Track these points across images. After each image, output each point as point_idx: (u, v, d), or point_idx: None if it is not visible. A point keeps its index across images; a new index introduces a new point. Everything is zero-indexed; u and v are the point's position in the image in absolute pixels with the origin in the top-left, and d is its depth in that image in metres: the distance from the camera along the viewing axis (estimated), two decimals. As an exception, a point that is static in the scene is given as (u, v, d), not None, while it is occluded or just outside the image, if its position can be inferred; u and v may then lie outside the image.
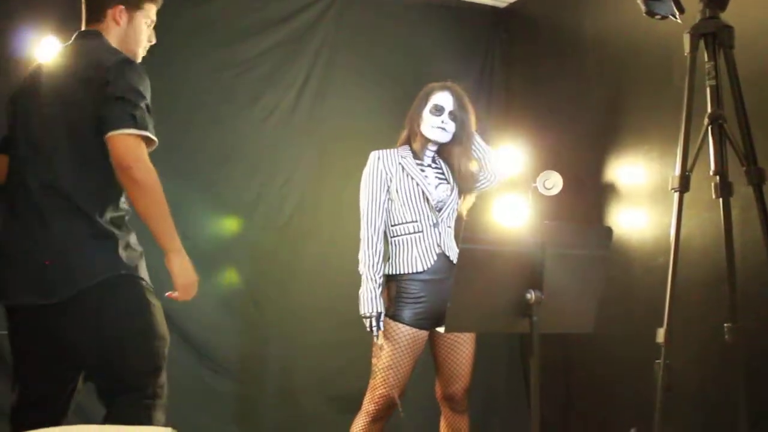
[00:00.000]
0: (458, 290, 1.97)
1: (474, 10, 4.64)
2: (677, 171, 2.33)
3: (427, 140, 2.89)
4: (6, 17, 3.36)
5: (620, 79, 3.80)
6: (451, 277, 2.34)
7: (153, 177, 2.04)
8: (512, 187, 4.11)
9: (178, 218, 3.63)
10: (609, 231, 2.23)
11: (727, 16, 2.38)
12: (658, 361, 2.24)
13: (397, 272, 2.80)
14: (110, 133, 2.00)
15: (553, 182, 3.97)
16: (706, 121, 2.33)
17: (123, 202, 2.16)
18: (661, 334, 2.24)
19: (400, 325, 2.75)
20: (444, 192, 2.88)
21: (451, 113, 2.86)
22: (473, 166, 2.93)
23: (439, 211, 2.85)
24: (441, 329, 2.69)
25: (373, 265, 2.77)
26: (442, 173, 2.93)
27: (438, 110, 2.86)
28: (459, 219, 2.91)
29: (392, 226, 2.86)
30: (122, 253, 2.07)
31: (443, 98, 2.87)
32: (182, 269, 2.09)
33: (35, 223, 2.06)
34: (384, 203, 2.84)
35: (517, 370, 4.41)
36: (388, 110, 3.72)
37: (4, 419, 2.22)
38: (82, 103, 2.04)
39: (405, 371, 2.76)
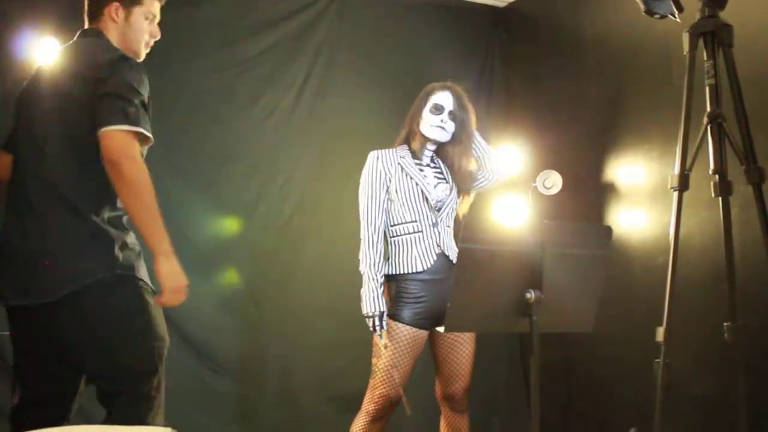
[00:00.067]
0: (458, 290, 1.97)
1: (474, 10, 4.64)
2: (676, 170, 2.34)
3: (427, 139, 2.89)
4: (5, 18, 3.36)
5: (620, 78, 3.80)
6: (450, 277, 2.34)
7: (143, 174, 2.00)
8: (512, 186, 4.12)
9: (179, 218, 3.69)
10: (609, 230, 2.23)
11: (726, 14, 2.38)
12: (657, 360, 2.24)
13: (397, 272, 2.80)
14: (102, 129, 1.98)
15: (553, 181, 3.97)
16: (705, 120, 2.32)
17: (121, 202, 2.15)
18: (660, 333, 2.24)
19: (400, 324, 2.75)
20: (443, 191, 2.88)
21: (450, 113, 2.86)
22: (472, 165, 2.93)
23: (439, 210, 2.85)
24: (441, 329, 2.70)
25: (374, 265, 2.77)
26: (441, 173, 2.93)
27: (438, 110, 2.86)
28: (458, 219, 2.92)
29: (392, 226, 2.86)
30: (118, 253, 2.05)
31: (443, 98, 2.88)
32: (170, 272, 2.02)
33: (34, 223, 2.06)
34: (384, 203, 2.84)
35: (517, 369, 4.41)
36: (388, 110, 3.72)
37: (4, 419, 2.23)
38: (79, 101, 2.04)
39: (405, 371, 2.76)
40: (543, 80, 4.37)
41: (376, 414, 2.77)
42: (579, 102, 4.05)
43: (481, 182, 2.96)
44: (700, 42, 2.37)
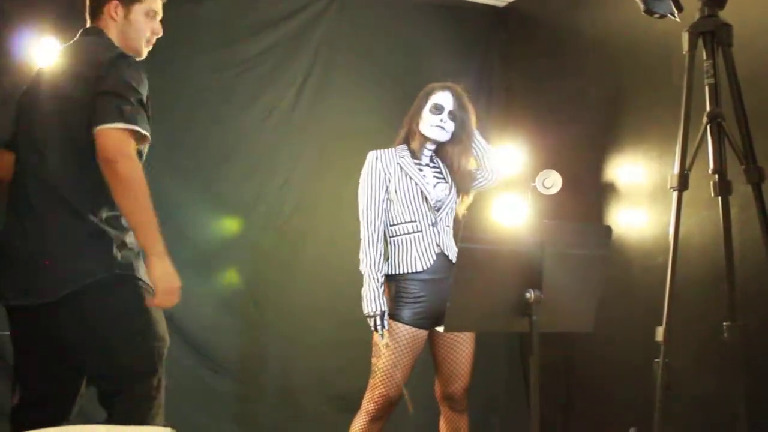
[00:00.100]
0: (457, 290, 1.97)
1: (473, 10, 4.64)
2: (676, 169, 2.34)
3: (426, 139, 2.89)
4: (4, 17, 3.36)
5: (619, 78, 3.80)
6: (450, 277, 2.34)
7: (137, 173, 1.98)
8: (511, 186, 4.12)
9: (178, 218, 3.69)
10: (608, 230, 2.22)
11: (725, 14, 2.38)
12: (657, 360, 2.24)
13: (397, 272, 2.80)
14: (98, 128, 1.97)
15: (553, 181, 3.97)
16: (704, 119, 2.33)
17: None
18: (660, 333, 2.24)
19: (400, 324, 2.75)
20: (442, 191, 2.88)
21: (450, 113, 2.86)
22: (471, 165, 2.93)
23: (438, 210, 2.85)
24: (440, 329, 2.70)
25: (374, 264, 2.77)
26: (440, 172, 2.93)
27: (438, 109, 2.86)
28: (457, 219, 2.92)
29: (391, 225, 2.86)
30: (117, 252, 2.04)
31: (443, 98, 2.88)
32: (163, 274, 1.99)
33: (34, 224, 2.06)
34: (383, 203, 2.84)
35: (516, 369, 4.41)
36: (388, 109, 3.73)
37: (4, 419, 2.23)
38: (80, 102, 2.03)
39: (404, 371, 2.76)
40: (543, 80, 4.37)
41: (376, 414, 2.77)
42: (579, 101, 4.05)
43: (481, 182, 2.96)
44: (700, 41, 2.37)
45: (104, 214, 2.07)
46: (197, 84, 3.86)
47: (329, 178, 4.06)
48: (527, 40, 4.56)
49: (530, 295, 1.99)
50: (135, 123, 1.99)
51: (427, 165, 2.92)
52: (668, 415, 2.22)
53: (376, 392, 2.76)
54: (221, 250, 3.88)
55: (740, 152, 2.30)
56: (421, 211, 2.83)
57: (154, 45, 2.34)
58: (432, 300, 2.75)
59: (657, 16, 2.46)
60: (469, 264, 1.96)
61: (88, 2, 2.26)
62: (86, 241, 2.03)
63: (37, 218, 2.06)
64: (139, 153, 2.11)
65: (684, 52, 2.39)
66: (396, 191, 2.84)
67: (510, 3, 4.65)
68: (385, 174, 2.85)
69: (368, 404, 2.79)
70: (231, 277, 3.91)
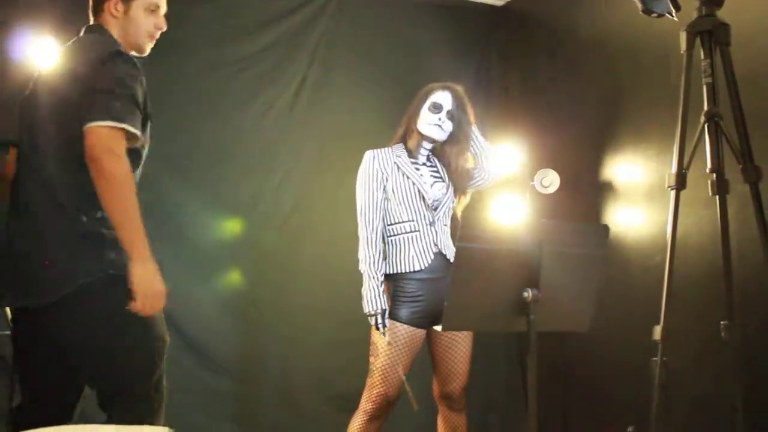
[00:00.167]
0: (455, 289, 1.97)
1: (472, 9, 4.64)
2: (674, 169, 2.34)
3: (423, 137, 2.89)
4: (4, 18, 3.36)
5: (617, 77, 3.80)
6: (448, 276, 2.34)
7: (123, 171, 1.94)
8: (509, 185, 4.12)
9: (178, 218, 3.69)
10: (606, 229, 2.22)
11: (723, 13, 2.38)
12: (654, 358, 2.24)
13: (395, 271, 2.81)
14: (86, 126, 1.94)
15: (551, 180, 3.97)
16: (702, 118, 2.33)
17: None
18: (657, 332, 2.25)
19: (398, 323, 2.76)
20: (440, 190, 2.88)
21: (449, 112, 2.87)
22: (469, 164, 2.93)
23: (435, 209, 2.86)
24: (438, 328, 2.70)
25: (374, 263, 2.77)
26: (437, 171, 2.93)
27: (436, 108, 2.86)
28: (455, 218, 2.92)
29: (388, 225, 2.86)
30: (111, 253, 2.01)
31: (443, 97, 2.88)
32: (143, 277, 1.93)
33: (32, 225, 2.06)
34: (381, 202, 2.85)
35: (514, 368, 4.42)
36: (387, 109, 3.72)
37: (3, 419, 2.23)
38: (72, 100, 2.02)
39: (403, 370, 2.76)
40: (541, 79, 4.38)
41: (374, 413, 2.78)
42: (577, 101, 4.06)
43: (478, 181, 2.96)
44: (698, 41, 2.37)
45: (99, 214, 2.05)
46: (197, 83, 3.86)
47: (328, 178, 4.06)
48: (526, 39, 4.56)
49: (528, 294, 1.99)
50: (123, 121, 1.95)
51: (424, 164, 2.92)
52: (666, 414, 2.22)
53: (374, 391, 2.77)
54: (220, 250, 3.88)
55: (738, 151, 2.30)
56: (419, 210, 2.83)
57: (153, 46, 2.34)
58: (430, 299, 2.76)
59: (655, 15, 2.46)
60: (467, 263, 1.96)
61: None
62: (81, 242, 2.02)
63: (35, 219, 2.06)
64: (137, 152, 2.11)
65: (682, 52, 2.39)
66: (393, 191, 2.84)
67: (508, 2, 4.65)
68: (383, 173, 2.85)
69: (366, 403, 2.79)
70: (230, 276, 3.91)
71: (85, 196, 2.03)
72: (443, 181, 2.91)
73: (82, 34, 2.23)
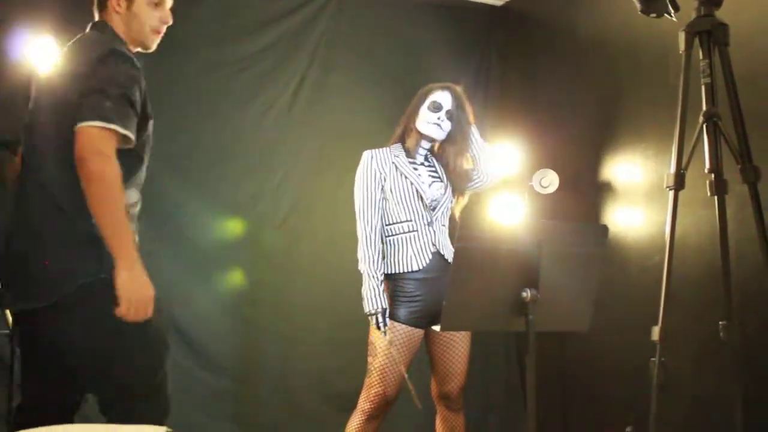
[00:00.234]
0: (454, 289, 1.97)
1: (471, 9, 4.65)
2: (672, 169, 2.34)
3: (422, 136, 2.90)
4: (3, 16, 3.35)
5: (616, 77, 3.81)
6: (446, 276, 2.34)
7: (112, 173, 1.89)
8: (508, 185, 4.12)
9: (178, 218, 3.69)
10: (605, 229, 2.23)
11: (722, 13, 2.38)
12: (653, 359, 2.24)
13: (392, 271, 2.81)
14: (77, 126, 1.91)
15: (550, 180, 3.97)
16: (701, 119, 2.32)
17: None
18: (656, 332, 2.25)
19: (396, 323, 2.76)
20: (438, 190, 2.88)
21: (448, 112, 2.87)
22: (467, 165, 2.93)
23: (433, 209, 2.86)
24: (437, 328, 2.70)
25: (373, 263, 2.78)
26: (435, 171, 2.93)
27: (436, 107, 2.86)
28: (453, 218, 2.92)
29: (387, 225, 2.86)
30: (107, 256, 1.96)
31: (442, 97, 2.88)
32: (129, 283, 1.88)
33: (32, 228, 2.06)
34: (379, 202, 2.85)
35: (513, 368, 4.42)
36: (386, 109, 3.72)
37: (3, 419, 2.23)
38: (69, 101, 1.99)
39: (401, 370, 2.76)
40: (540, 79, 4.38)
41: (372, 413, 2.78)
42: (575, 101, 4.06)
43: (476, 182, 2.96)
44: (696, 41, 2.37)
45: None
46: (197, 83, 3.86)
47: (328, 178, 4.07)
48: (524, 39, 4.57)
49: (527, 294, 1.99)
50: (113, 122, 1.90)
51: (422, 164, 2.92)
52: (664, 415, 2.22)
53: (372, 391, 2.77)
54: (220, 250, 3.88)
55: (736, 151, 2.30)
56: (417, 210, 2.84)
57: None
58: (428, 299, 2.76)
59: (654, 15, 2.46)
60: (466, 263, 1.97)
61: None
62: (80, 242, 2.01)
63: (34, 219, 2.06)
64: (137, 155, 2.09)
65: (680, 52, 2.39)
66: (391, 190, 2.85)
67: (507, 2, 4.66)
68: (381, 173, 2.86)
69: (364, 403, 2.80)
70: (230, 276, 3.91)
71: (82, 199, 2.03)
72: (441, 181, 2.91)
73: (87, 31, 2.21)
